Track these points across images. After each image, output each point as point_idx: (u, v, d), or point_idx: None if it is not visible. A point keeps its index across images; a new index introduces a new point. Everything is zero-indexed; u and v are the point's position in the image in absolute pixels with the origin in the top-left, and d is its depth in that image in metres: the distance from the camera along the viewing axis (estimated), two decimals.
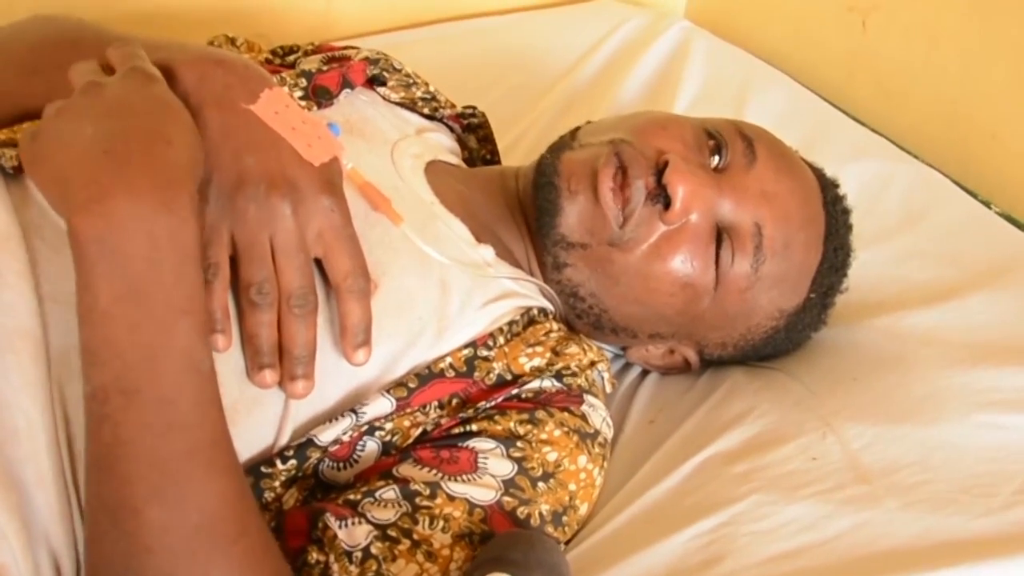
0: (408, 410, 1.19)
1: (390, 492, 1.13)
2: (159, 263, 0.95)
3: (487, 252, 1.32)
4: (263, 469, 1.12)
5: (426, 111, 1.52)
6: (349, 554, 1.07)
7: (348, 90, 1.41)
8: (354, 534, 1.09)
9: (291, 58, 1.52)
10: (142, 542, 0.93)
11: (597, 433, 1.29)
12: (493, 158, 1.66)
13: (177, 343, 0.96)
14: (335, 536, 1.08)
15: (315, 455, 1.14)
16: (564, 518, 1.22)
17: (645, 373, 1.56)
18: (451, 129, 1.59)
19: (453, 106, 1.57)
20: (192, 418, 0.96)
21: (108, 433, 0.94)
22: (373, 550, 1.08)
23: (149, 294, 0.95)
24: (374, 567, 1.07)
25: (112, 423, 0.94)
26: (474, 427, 1.21)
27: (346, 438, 1.16)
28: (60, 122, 1.01)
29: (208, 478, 0.96)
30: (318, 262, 1.13)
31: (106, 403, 0.94)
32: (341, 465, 1.18)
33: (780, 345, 1.47)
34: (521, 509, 1.18)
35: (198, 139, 1.04)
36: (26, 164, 1.02)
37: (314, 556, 1.07)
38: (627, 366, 1.57)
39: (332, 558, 1.06)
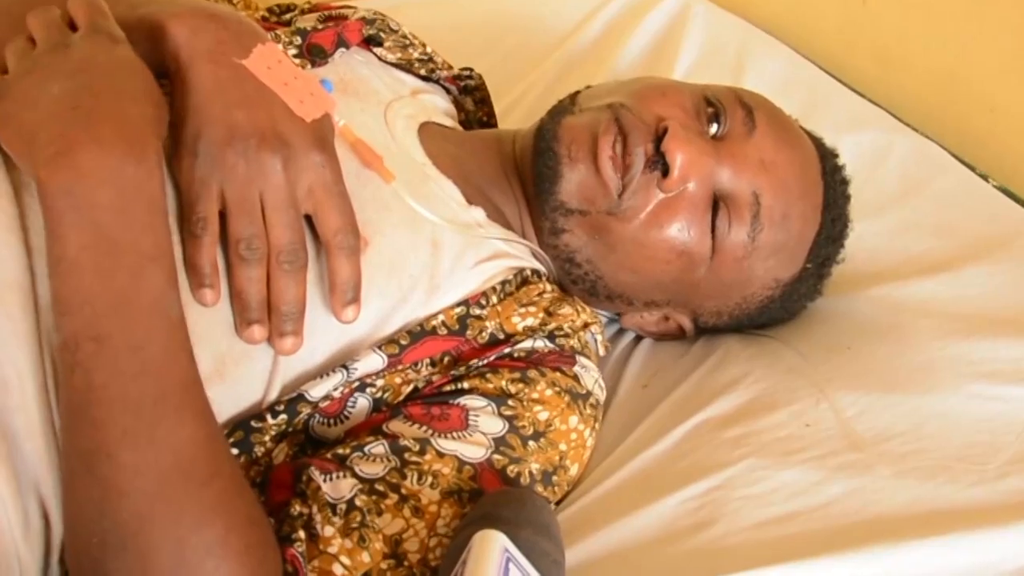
0: (399, 367, 1.19)
1: (379, 447, 1.13)
2: (127, 212, 0.97)
3: (478, 213, 1.32)
4: (253, 423, 1.12)
5: (422, 72, 1.51)
6: (333, 506, 1.07)
7: (343, 49, 1.39)
8: (339, 487, 1.09)
9: (287, 16, 1.51)
10: (116, 486, 0.94)
11: (589, 394, 1.29)
12: (490, 120, 1.65)
13: (146, 289, 0.97)
14: (318, 488, 1.08)
15: (305, 410, 1.14)
16: (554, 478, 1.22)
17: (639, 338, 1.56)
18: (447, 91, 1.58)
19: (450, 68, 1.56)
20: (162, 363, 0.97)
21: (80, 380, 0.95)
22: (357, 502, 1.08)
23: (117, 242, 0.96)
24: (358, 518, 1.07)
25: (84, 370, 0.95)
26: (465, 385, 1.21)
27: (337, 394, 1.16)
28: (26, 83, 1.03)
29: (179, 421, 0.97)
30: (308, 219, 1.12)
31: (77, 351, 0.95)
32: (331, 421, 1.18)
33: (775, 314, 1.47)
34: (511, 467, 1.18)
35: (163, 100, 1.06)
36: None
37: (297, 508, 1.07)
38: (621, 331, 1.56)
39: (315, 509, 1.06)
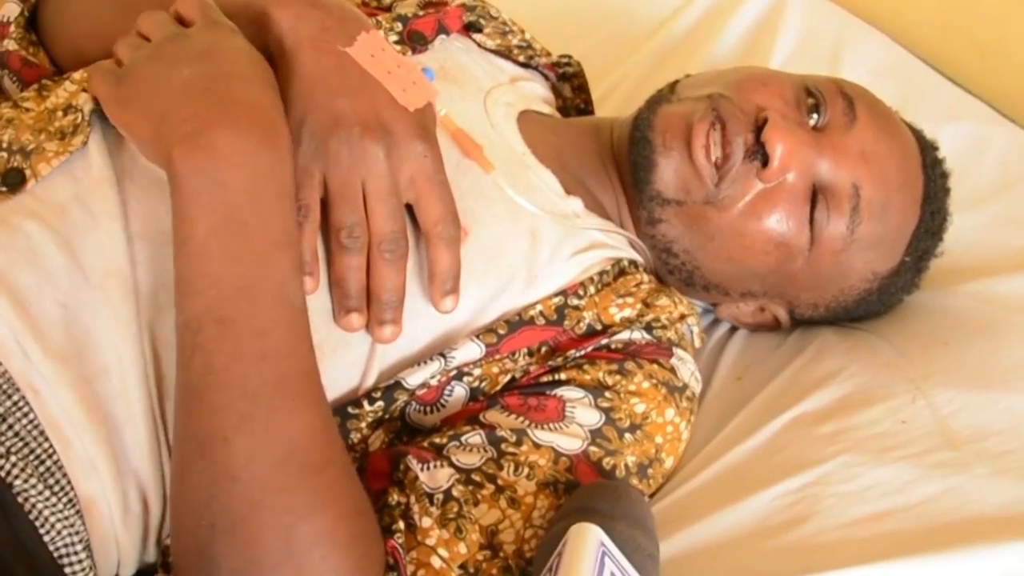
0: (497, 356, 1.19)
1: (476, 437, 1.14)
2: (259, 196, 0.97)
3: (576, 204, 1.31)
4: (350, 410, 1.13)
5: (521, 59, 1.50)
6: (430, 496, 1.07)
7: (443, 36, 1.39)
8: (436, 476, 1.09)
9: (387, 1, 1.51)
10: (229, 471, 0.94)
11: (685, 387, 1.28)
12: (587, 107, 1.64)
13: (273, 275, 0.97)
14: (416, 478, 1.08)
15: (402, 398, 1.15)
16: (649, 470, 1.22)
17: (734, 329, 1.55)
18: (546, 78, 1.58)
19: (549, 54, 1.56)
20: (284, 350, 0.97)
21: (200, 362, 0.95)
22: (455, 492, 1.08)
23: (248, 226, 0.96)
24: (455, 509, 1.07)
25: (204, 352, 0.95)
26: (562, 376, 1.21)
27: (434, 382, 1.16)
28: (152, 66, 1.03)
29: (296, 409, 0.97)
30: (408, 208, 1.12)
31: (200, 332, 0.95)
32: (428, 409, 1.18)
33: (872, 307, 1.45)
34: (607, 460, 1.17)
35: (278, 89, 1.06)
36: (112, 106, 1.05)
37: (395, 497, 1.07)
38: (716, 321, 1.56)
39: (413, 499, 1.07)
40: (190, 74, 1.00)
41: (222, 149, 0.95)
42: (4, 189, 1.09)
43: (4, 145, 1.12)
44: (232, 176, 0.96)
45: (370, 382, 1.15)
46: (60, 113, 1.16)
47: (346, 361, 1.14)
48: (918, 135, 1.44)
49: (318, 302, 1.11)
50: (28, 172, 1.09)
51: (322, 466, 0.97)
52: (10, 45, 1.34)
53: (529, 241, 1.23)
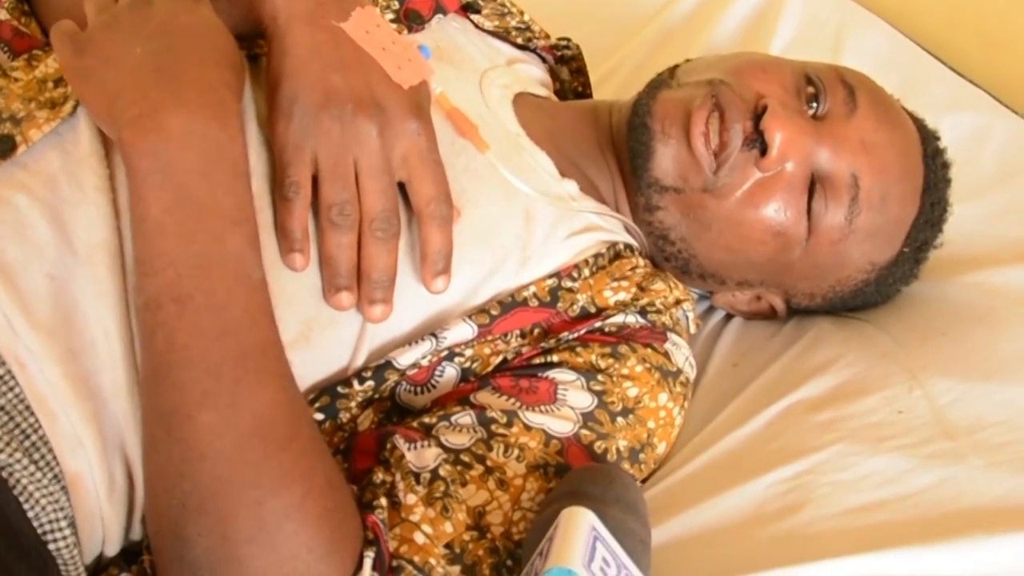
0: (489, 337, 1.18)
1: (466, 418, 1.13)
2: (210, 175, 0.98)
3: (571, 186, 1.31)
4: (339, 389, 1.12)
5: (519, 41, 1.49)
6: (416, 475, 1.07)
7: (440, 15, 1.38)
8: (423, 456, 1.09)
9: None
10: (196, 448, 0.94)
11: (679, 372, 1.28)
12: (585, 91, 1.63)
13: (228, 251, 0.98)
14: (402, 457, 1.08)
15: (393, 377, 1.14)
16: (641, 455, 1.21)
17: (730, 316, 1.54)
18: (543, 60, 1.57)
19: (547, 37, 1.55)
20: (243, 324, 0.98)
21: (162, 341, 0.96)
22: (442, 472, 1.08)
23: (201, 204, 0.97)
24: (442, 488, 1.06)
25: (166, 331, 0.95)
26: (555, 358, 1.20)
27: (425, 362, 1.16)
28: (107, 39, 1.04)
29: (259, 383, 0.97)
30: (401, 186, 1.11)
31: (159, 311, 0.96)
32: (419, 389, 1.18)
33: (869, 298, 1.44)
34: (599, 443, 1.16)
35: (243, 64, 1.08)
36: (72, 79, 1.06)
37: (380, 476, 1.06)
38: (712, 308, 1.55)
39: (398, 477, 1.06)
40: (142, 52, 1.01)
41: (170, 130, 0.97)
42: None
43: None
44: (181, 156, 0.97)
45: (360, 361, 1.14)
46: (51, 84, 1.15)
47: (336, 340, 1.13)
48: (919, 125, 1.43)
49: (308, 280, 1.10)
50: (19, 138, 1.09)
51: (288, 440, 0.97)
52: (1, 15, 1.33)
53: (523, 222, 1.23)
